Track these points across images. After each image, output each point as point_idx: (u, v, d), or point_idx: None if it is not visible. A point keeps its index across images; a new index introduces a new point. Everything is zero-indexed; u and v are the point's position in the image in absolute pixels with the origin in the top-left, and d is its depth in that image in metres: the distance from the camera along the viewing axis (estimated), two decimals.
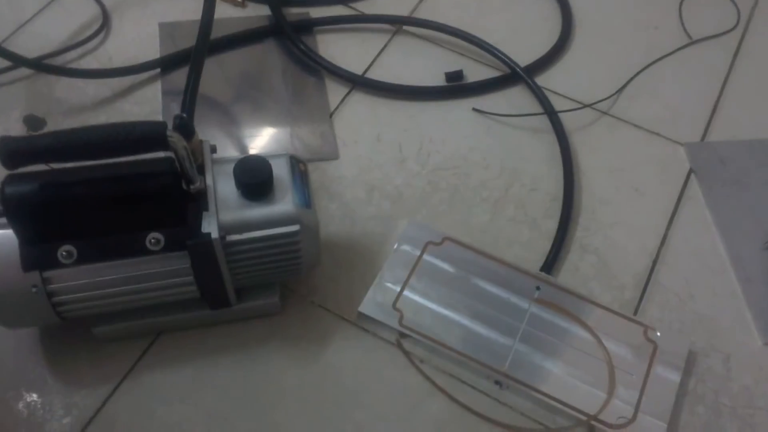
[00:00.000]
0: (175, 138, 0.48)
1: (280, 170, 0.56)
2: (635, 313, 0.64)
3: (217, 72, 0.82)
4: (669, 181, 0.73)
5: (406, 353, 0.61)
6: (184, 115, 0.55)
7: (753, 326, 0.64)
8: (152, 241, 0.51)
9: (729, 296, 0.66)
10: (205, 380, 0.59)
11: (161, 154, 0.51)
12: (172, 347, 0.61)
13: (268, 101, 0.80)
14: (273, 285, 0.62)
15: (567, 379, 0.58)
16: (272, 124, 0.78)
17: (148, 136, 0.45)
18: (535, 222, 0.70)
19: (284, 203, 0.54)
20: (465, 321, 0.61)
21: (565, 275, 0.66)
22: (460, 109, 0.79)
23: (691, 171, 0.74)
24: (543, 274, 0.65)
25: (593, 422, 0.56)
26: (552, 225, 0.69)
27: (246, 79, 0.81)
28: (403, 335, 0.61)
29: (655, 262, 0.67)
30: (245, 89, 0.80)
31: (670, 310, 0.65)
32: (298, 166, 0.58)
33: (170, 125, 0.50)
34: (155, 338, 0.62)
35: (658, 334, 0.61)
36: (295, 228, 0.54)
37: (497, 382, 0.59)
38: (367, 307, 0.62)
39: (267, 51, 0.85)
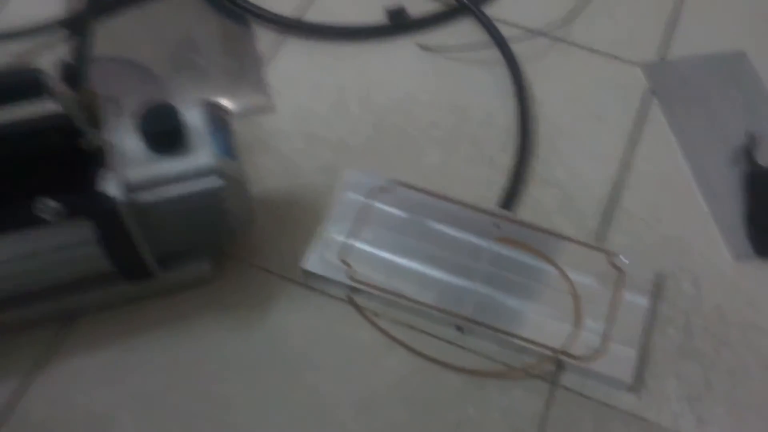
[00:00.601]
0: (59, 87, 0.41)
1: (196, 119, 0.50)
2: (601, 242, 0.62)
3: (131, 27, 0.75)
4: (629, 105, 0.70)
5: (359, 308, 0.58)
6: (71, 61, 0.48)
7: (722, 243, 0.62)
8: (44, 208, 0.45)
9: (696, 215, 0.63)
10: (132, 362, 0.55)
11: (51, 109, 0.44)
12: (92, 330, 0.56)
13: (191, 55, 0.74)
14: (203, 250, 0.57)
15: (532, 316, 0.56)
16: (197, 79, 0.72)
17: (18, 84, 0.39)
18: (491, 159, 0.66)
19: (201, 154, 0.49)
20: (420, 267, 0.58)
21: (526, 210, 0.63)
22: (404, 47, 0.75)
23: (651, 92, 0.71)
24: (502, 210, 0.61)
25: (561, 357, 0.54)
26: (509, 161, 0.66)
27: (165, 33, 0.76)
28: (354, 290, 0.58)
29: (619, 189, 0.65)
30: (165, 44, 0.75)
31: (637, 236, 0.62)
32: (218, 114, 0.53)
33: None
34: (71, 322, 0.56)
35: (624, 259, 0.58)
36: (216, 182, 0.49)
37: (459, 328, 0.56)
38: (311, 263, 0.58)
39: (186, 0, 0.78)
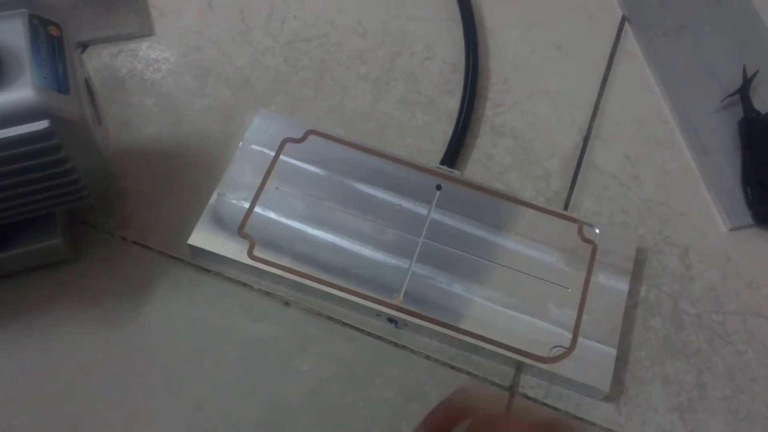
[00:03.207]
0: None
1: (11, 36, 0.38)
2: (566, 207, 0.54)
3: None
4: (598, 35, 0.62)
5: (265, 296, 0.48)
6: None
7: (714, 208, 0.55)
8: None
9: (682, 173, 0.56)
10: None
11: None
12: None
13: None
14: (53, 219, 0.46)
15: (482, 304, 0.47)
16: None
17: None
18: (431, 102, 0.58)
19: (18, 86, 0.37)
20: (342, 242, 0.48)
21: (475, 167, 0.55)
22: None
23: (624, 19, 0.63)
24: (445, 168, 0.53)
25: (519, 357, 0.45)
26: (454, 103, 0.57)
27: None
28: (259, 272, 0.47)
29: (587, 140, 0.57)
30: None
31: (609, 199, 0.54)
32: (47, 31, 0.41)
33: None
34: None
35: (597, 230, 0.50)
36: (41, 125, 0.38)
37: (391, 320, 0.47)
38: (202, 237, 0.48)
39: None
